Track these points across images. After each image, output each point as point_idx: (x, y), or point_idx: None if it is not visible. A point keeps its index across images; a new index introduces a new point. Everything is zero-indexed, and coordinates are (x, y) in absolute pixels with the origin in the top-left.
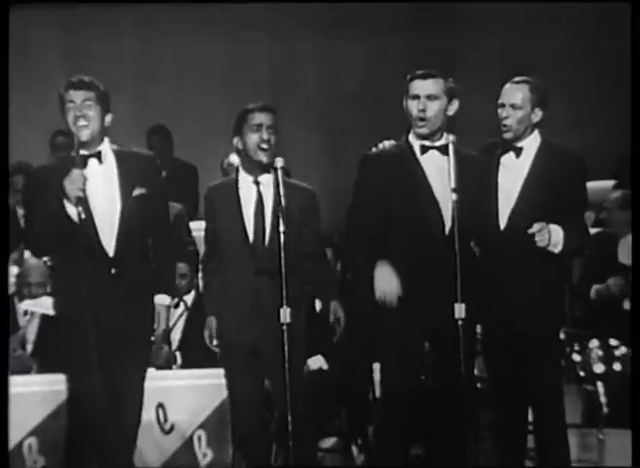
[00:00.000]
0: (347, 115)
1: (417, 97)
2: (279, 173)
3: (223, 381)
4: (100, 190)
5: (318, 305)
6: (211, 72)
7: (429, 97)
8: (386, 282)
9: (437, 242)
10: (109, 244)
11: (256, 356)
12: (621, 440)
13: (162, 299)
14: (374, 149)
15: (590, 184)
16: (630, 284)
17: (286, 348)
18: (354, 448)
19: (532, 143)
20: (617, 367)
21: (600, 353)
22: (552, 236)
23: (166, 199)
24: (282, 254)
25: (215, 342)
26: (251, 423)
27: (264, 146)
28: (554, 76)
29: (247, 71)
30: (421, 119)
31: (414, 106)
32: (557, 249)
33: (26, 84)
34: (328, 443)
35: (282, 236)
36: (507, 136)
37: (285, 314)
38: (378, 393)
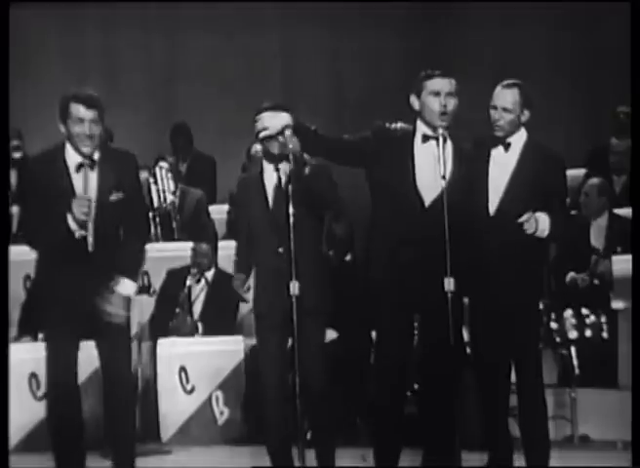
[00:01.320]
0: (357, 112)
1: (438, 93)
2: (291, 160)
3: (239, 347)
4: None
5: None
6: (226, 71)
7: (449, 94)
8: None
9: (417, 214)
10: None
11: (282, 323)
12: (591, 397)
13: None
14: (387, 124)
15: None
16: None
17: (294, 318)
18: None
19: (519, 139)
20: (588, 333)
21: (573, 321)
22: (539, 224)
23: (141, 196)
24: (291, 235)
25: (245, 287)
26: (273, 381)
27: (281, 140)
28: (552, 76)
29: (260, 69)
30: (443, 113)
31: (435, 102)
32: (544, 234)
33: (26, 83)
34: None
35: (291, 217)
36: (498, 134)
37: (294, 287)
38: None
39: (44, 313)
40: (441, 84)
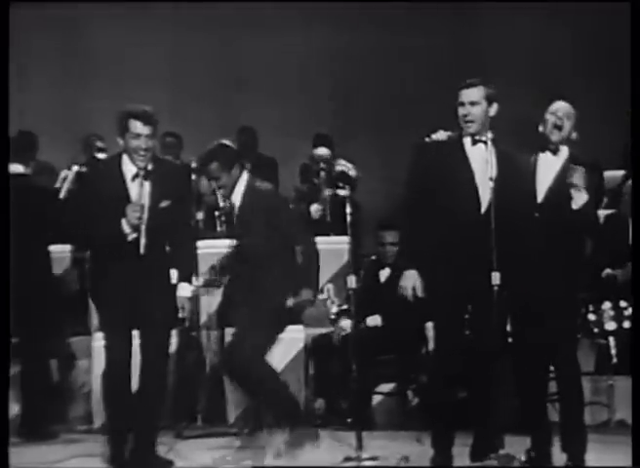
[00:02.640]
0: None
1: (462, 104)
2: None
3: (301, 336)
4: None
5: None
6: (286, 76)
7: (472, 104)
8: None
9: (474, 219)
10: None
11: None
12: (627, 384)
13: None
14: (427, 139)
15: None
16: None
17: (352, 308)
18: (409, 393)
19: (564, 151)
20: (626, 324)
21: (612, 313)
22: (579, 190)
23: (188, 203)
24: (349, 231)
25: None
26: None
27: None
28: (553, 76)
29: (314, 74)
30: (467, 121)
31: (460, 111)
32: (580, 201)
33: (26, 83)
34: (387, 387)
35: (348, 217)
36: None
37: (351, 281)
38: (430, 347)
39: (100, 307)
40: (465, 94)
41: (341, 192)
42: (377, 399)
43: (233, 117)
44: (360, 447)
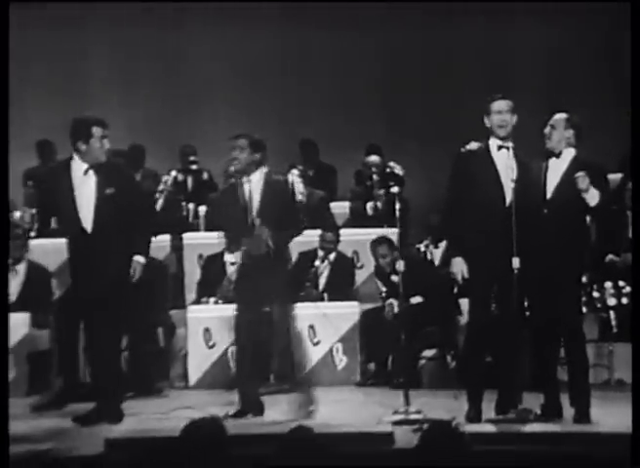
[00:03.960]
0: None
1: (499, 112)
2: None
3: (355, 310)
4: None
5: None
6: (344, 91)
7: (505, 112)
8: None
9: (501, 211)
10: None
11: None
12: (625, 350)
13: (138, 258)
14: (462, 149)
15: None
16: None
17: (400, 290)
18: (448, 357)
19: (569, 153)
20: (624, 300)
21: (612, 291)
22: (590, 189)
23: (132, 194)
24: (398, 224)
25: None
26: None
27: None
28: (553, 77)
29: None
30: (500, 126)
31: (498, 119)
32: (593, 201)
33: (26, 83)
34: (429, 353)
35: (397, 212)
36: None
37: (400, 265)
38: (465, 319)
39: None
40: (502, 105)
41: (393, 189)
42: (421, 362)
43: (295, 130)
44: (407, 402)
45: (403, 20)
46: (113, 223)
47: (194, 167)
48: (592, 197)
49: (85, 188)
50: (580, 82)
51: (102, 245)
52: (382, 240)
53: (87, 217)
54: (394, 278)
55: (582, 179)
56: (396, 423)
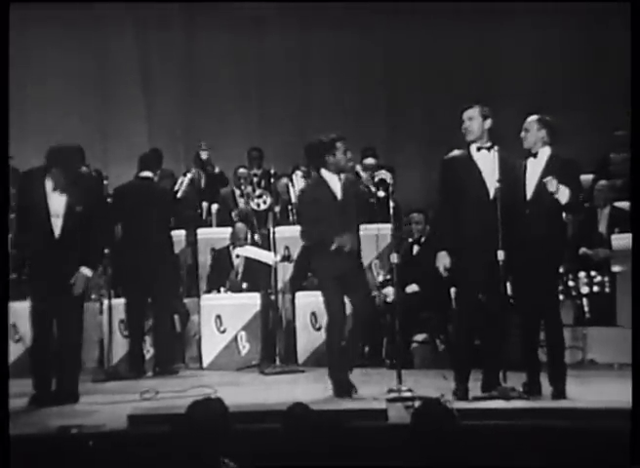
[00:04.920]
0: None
1: (464, 119)
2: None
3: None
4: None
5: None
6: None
7: (469, 119)
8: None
9: (485, 203)
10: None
11: None
12: (597, 333)
13: (83, 270)
14: (446, 156)
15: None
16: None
17: (395, 278)
18: (438, 341)
19: (545, 152)
20: (595, 288)
21: (585, 280)
22: (560, 189)
23: (101, 209)
24: (391, 220)
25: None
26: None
27: None
28: (552, 77)
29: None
30: (465, 132)
31: (463, 125)
32: (564, 199)
33: (26, 83)
34: (421, 337)
35: (391, 210)
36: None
37: (393, 257)
38: (454, 305)
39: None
40: (465, 114)
41: (380, 194)
42: (413, 346)
43: (301, 136)
44: (400, 381)
45: (403, 24)
46: (78, 232)
47: (204, 155)
48: (563, 195)
49: (56, 200)
50: (579, 82)
51: (66, 250)
52: (420, 209)
53: (56, 223)
54: (415, 249)
55: (551, 183)
56: (390, 400)
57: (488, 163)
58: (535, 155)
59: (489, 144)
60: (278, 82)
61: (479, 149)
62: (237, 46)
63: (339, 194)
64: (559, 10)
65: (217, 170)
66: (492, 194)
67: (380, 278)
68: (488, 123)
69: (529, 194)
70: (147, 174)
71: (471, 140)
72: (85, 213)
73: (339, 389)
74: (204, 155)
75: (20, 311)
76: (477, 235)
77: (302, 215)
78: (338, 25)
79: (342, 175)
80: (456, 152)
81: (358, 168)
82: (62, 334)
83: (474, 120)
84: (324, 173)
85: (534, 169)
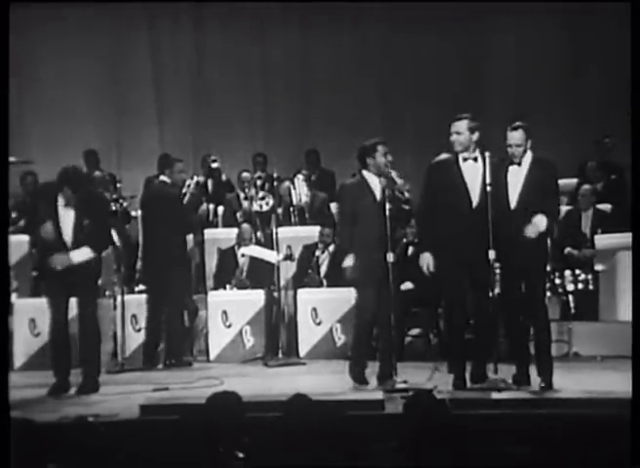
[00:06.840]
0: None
1: (451, 133)
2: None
3: (352, 295)
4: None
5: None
6: (350, 105)
7: (457, 133)
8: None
9: (468, 212)
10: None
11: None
12: (581, 328)
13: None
14: (433, 161)
15: (561, 181)
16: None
17: (391, 277)
18: (431, 335)
19: (527, 158)
20: (580, 286)
21: (571, 278)
22: (539, 226)
23: (104, 221)
24: (388, 224)
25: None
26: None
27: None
28: (553, 77)
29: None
30: (453, 144)
31: (451, 138)
32: (543, 229)
33: (26, 83)
34: (415, 331)
35: (387, 211)
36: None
37: (389, 257)
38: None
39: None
40: (453, 125)
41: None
42: (407, 339)
43: (303, 142)
44: (395, 373)
45: (403, 29)
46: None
47: (215, 165)
48: (542, 225)
49: (67, 213)
50: (579, 82)
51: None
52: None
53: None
54: (410, 249)
55: (531, 229)
56: (386, 391)
57: (473, 172)
58: (519, 163)
59: (475, 155)
60: (282, 94)
61: (465, 160)
62: (244, 59)
63: (378, 195)
64: (558, 10)
65: (224, 177)
66: (475, 202)
67: None
68: (475, 136)
69: (516, 199)
70: (164, 178)
71: (459, 151)
72: (92, 224)
73: (360, 380)
74: (214, 165)
75: (40, 307)
76: (459, 236)
77: (341, 210)
78: (339, 35)
79: (382, 179)
80: (443, 156)
81: (394, 174)
82: (82, 330)
83: (462, 134)
84: (365, 173)
85: (517, 175)
